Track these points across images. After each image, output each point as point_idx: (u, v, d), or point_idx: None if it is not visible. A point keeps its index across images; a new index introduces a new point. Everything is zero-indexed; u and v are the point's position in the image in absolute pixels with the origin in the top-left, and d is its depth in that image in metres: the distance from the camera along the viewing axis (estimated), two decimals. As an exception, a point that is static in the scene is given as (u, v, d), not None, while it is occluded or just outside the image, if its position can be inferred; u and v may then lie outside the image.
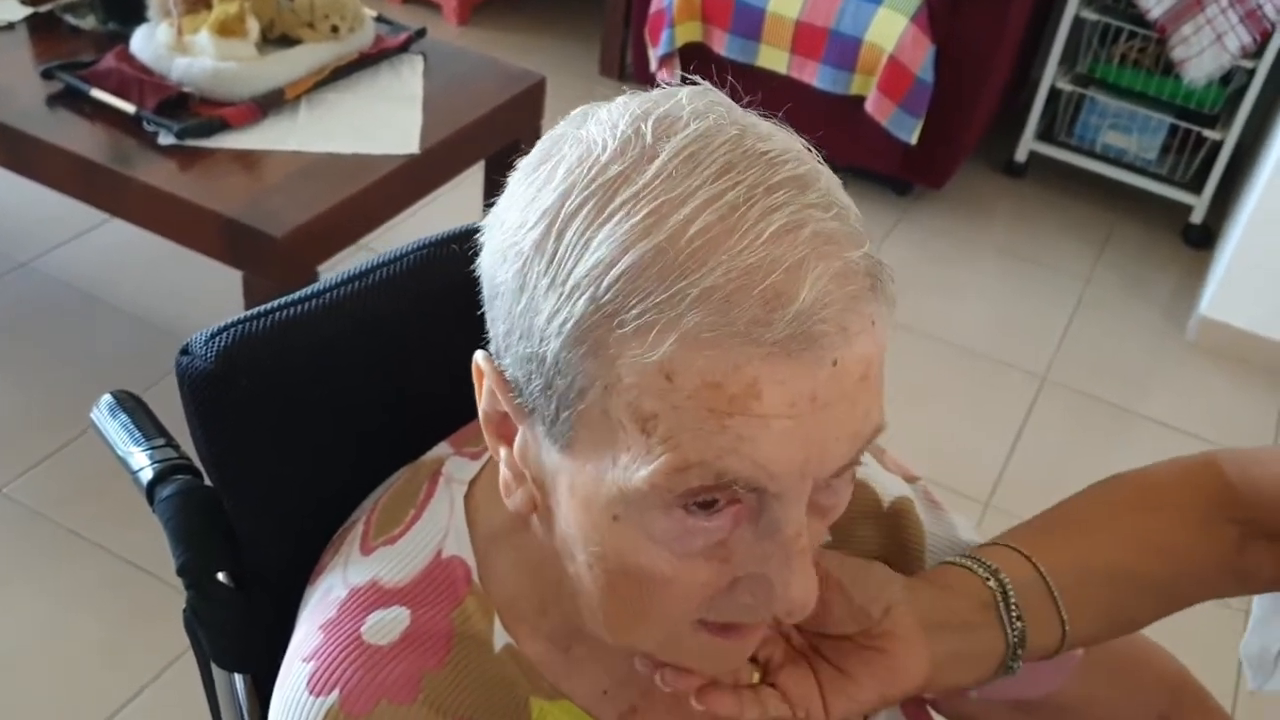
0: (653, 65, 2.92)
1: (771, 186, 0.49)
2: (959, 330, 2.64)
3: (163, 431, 0.74)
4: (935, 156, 2.87)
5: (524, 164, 0.56)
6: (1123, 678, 0.84)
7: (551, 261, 0.50)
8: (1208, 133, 2.88)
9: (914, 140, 2.75)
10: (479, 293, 0.58)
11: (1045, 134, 3.11)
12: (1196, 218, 2.99)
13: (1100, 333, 2.71)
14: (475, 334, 0.58)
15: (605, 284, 0.48)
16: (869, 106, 2.72)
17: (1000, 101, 3.08)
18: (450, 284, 0.74)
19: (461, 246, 0.75)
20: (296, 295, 0.69)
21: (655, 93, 0.56)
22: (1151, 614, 0.77)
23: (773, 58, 2.80)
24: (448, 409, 0.72)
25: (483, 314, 0.58)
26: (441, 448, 0.71)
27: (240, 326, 0.66)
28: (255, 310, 0.68)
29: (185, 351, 0.66)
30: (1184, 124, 2.91)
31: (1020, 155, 3.14)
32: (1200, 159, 2.95)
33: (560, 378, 0.51)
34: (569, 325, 0.49)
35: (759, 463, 0.49)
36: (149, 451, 0.71)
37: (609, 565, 0.54)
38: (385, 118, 1.92)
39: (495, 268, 0.54)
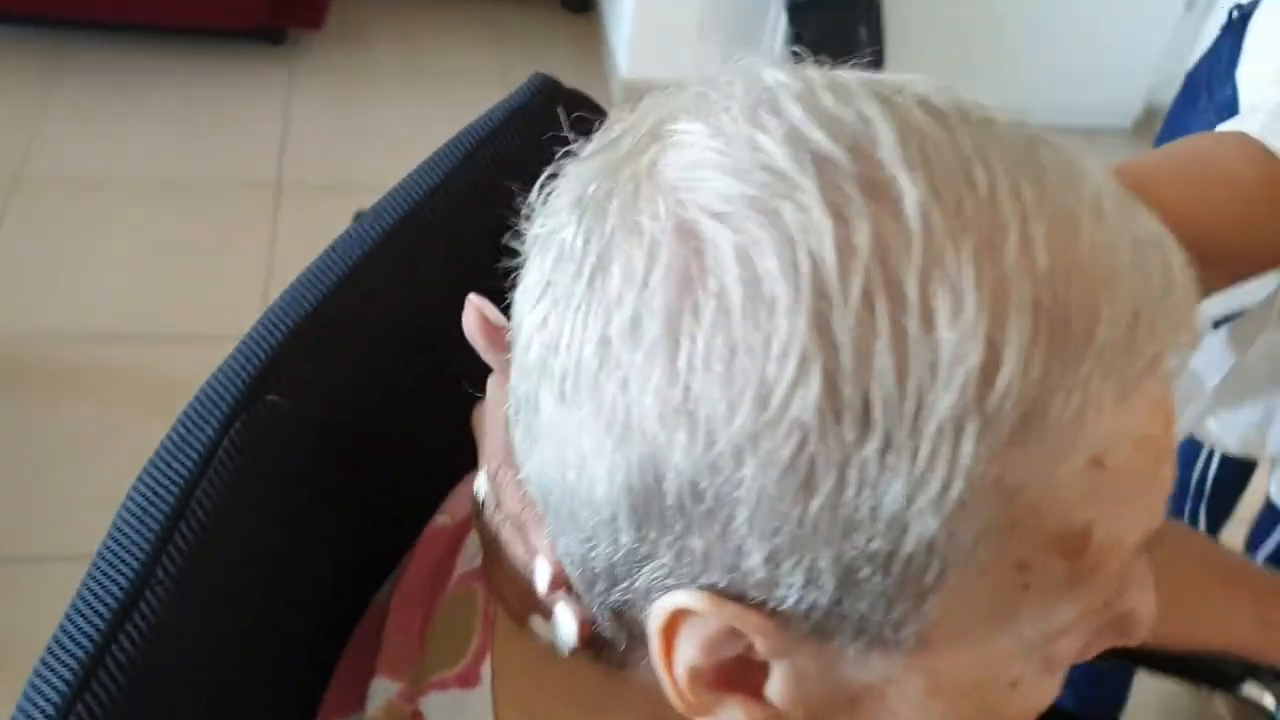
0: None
1: (1048, 150, 0.37)
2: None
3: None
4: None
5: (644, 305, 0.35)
6: None
7: (867, 418, 0.34)
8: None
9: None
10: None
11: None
12: (569, -16, 2.93)
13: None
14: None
15: (995, 401, 0.34)
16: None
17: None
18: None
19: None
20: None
21: (748, 94, 0.37)
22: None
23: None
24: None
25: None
26: (380, 686, 0.48)
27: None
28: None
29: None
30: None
31: (386, -33, 2.83)
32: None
33: (934, 564, 0.36)
34: (955, 489, 0.34)
35: (1163, 506, 0.40)
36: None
37: None
38: None
39: (701, 474, 0.35)
